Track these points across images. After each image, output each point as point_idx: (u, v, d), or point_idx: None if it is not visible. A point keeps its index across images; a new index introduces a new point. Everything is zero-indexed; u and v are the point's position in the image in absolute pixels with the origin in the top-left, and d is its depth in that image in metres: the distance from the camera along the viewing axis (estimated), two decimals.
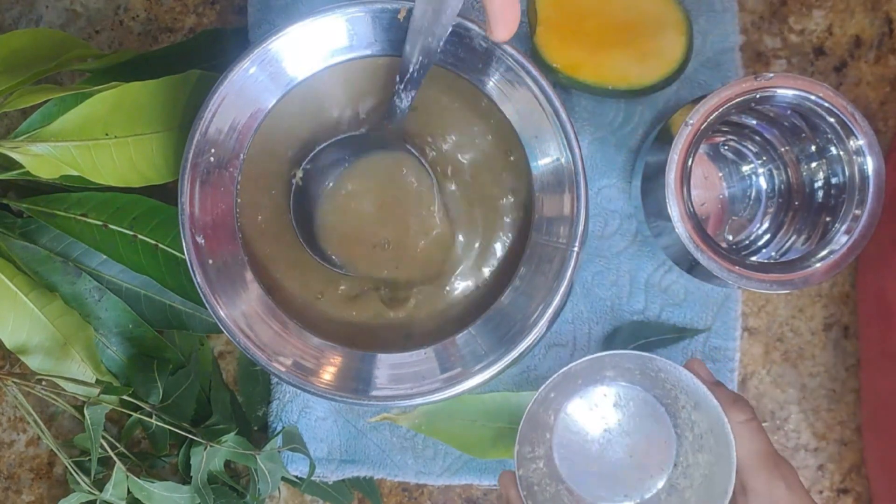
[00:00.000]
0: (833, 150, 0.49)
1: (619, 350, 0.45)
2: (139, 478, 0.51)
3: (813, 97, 0.47)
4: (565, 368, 0.44)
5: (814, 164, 0.51)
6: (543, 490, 0.47)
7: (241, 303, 0.46)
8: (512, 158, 0.47)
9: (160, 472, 0.55)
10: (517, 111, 0.46)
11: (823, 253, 0.47)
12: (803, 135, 0.50)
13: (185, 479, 0.53)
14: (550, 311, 0.45)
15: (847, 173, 0.48)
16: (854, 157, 0.47)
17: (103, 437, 0.51)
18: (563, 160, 0.46)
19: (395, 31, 0.46)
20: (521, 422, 0.45)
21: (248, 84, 0.45)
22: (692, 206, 0.47)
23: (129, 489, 0.51)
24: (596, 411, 0.48)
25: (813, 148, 0.50)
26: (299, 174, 0.46)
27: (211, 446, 0.51)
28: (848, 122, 0.47)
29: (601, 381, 0.48)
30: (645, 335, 0.54)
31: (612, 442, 0.48)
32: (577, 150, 0.45)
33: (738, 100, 0.47)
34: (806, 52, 0.56)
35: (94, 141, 0.46)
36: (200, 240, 0.45)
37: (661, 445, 0.48)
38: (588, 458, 0.48)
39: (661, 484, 0.48)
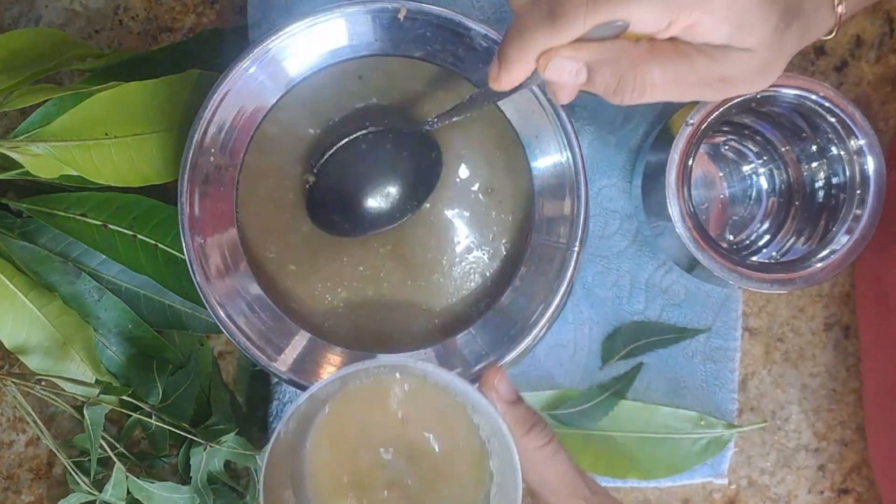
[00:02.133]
0: (834, 149, 0.48)
1: (387, 358, 0.40)
2: (139, 478, 0.51)
3: (813, 97, 0.47)
4: (310, 391, 0.38)
5: (814, 164, 0.51)
6: None
7: (241, 303, 0.46)
8: (512, 158, 0.47)
9: (160, 472, 0.55)
10: (517, 111, 0.46)
11: (824, 253, 0.47)
12: (804, 135, 0.50)
13: (185, 479, 0.53)
14: (550, 311, 0.45)
15: (848, 173, 0.48)
16: (855, 157, 0.47)
17: (103, 438, 0.51)
18: (563, 160, 0.46)
19: (395, 30, 0.46)
20: (262, 469, 0.38)
21: (248, 84, 0.45)
22: (692, 206, 0.47)
23: (128, 489, 0.51)
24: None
25: (813, 148, 0.50)
26: (311, 177, 0.46)
27: (211, 446, 0.51)
28: (849, 122, 0.47)
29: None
30: (645, 335, 0.54)
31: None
32: (577, 150, 0.45)
33: (739, 100, 0.47)
34: (806, 51, 0.56)
35: (93, 141, 0.46)
36: (200, 240, 0.45)
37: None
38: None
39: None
